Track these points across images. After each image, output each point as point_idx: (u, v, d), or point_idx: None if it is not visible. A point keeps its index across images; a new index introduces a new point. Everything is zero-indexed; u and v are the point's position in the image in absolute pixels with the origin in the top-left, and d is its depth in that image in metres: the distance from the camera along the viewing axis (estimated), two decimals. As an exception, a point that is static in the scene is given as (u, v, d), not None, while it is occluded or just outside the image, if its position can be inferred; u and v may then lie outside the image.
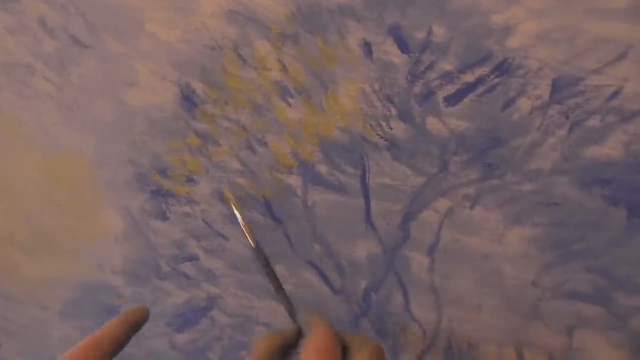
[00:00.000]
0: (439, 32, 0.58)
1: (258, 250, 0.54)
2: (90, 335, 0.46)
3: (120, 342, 0.47)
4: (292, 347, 0.47)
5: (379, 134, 0.63)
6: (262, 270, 0.54)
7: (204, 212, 0.72)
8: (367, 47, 0.60)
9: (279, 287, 0.53)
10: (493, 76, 0.58)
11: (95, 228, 0.76)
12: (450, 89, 0.60)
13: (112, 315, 0.49)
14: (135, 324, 0.50)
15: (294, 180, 0.67)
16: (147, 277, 0.76)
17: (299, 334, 0.48)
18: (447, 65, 0.59)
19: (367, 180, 0.65)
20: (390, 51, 0.60)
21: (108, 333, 0.46)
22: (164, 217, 0.73)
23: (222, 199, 0.70)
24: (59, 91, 0.71)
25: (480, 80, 0.58)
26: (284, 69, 0.63)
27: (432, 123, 0.61)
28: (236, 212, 0.60)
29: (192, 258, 0.74)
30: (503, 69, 0.57)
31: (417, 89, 0.60)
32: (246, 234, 0.56)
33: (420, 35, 0.58)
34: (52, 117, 0.73)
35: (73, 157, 0.74)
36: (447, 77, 0.59)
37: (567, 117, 0.57)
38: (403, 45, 0.59)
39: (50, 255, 0.79)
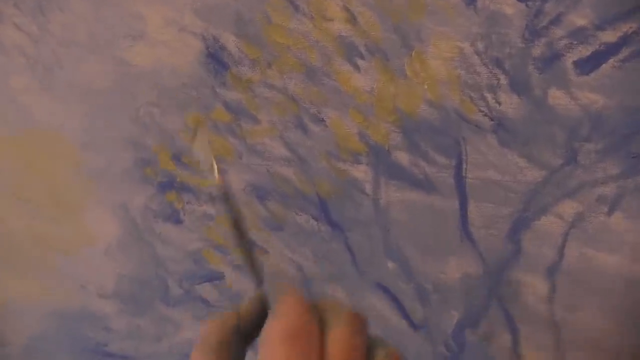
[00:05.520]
0: (572, -29, 0.59)
1: (224, 189, 0.52)
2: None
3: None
4: (254, 329, 0.46)
5: (482, 111, 0.64)
6: (227, 214, 0.53)
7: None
8: (471, -10, 0.61)
9: (243, 241, 0.52)
10: (645, 34, 0.58)
11: (79, 234, 0.76)
12: (584, 51, 0.60)
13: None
14: None
15: (362, 172, 0.68)
16: (149, 302, 0.77)
17: (262, 308, 0.47)
18: (579, 19, 0.60)
19: (463, 174, 0.66)
20: (501, -3, 0.61)
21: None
22: (176, 220, 0.74)
23: (260, 195, 0.71)
24: (34, 45, 0.71)
25: (624, 41, 0.59)
26: (351, 19, 0.64)
27: (556, 97, 0.62)
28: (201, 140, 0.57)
29: (215, 277, 0.75)
30: (660, 24, 0.58)
31: (538, 50, 0.61)
32: (214, 165, 0.54)
33: (545, -25, 0.59)
34: (24, 81, 0.73)
35: (51, 136, 0.74)
36: (579, 35, 0.60)
37: None
38: (520, -11, 0.60)
39: (14, 271, 0.80)
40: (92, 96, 0.72)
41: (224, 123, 0.70)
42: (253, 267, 0.51)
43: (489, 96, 0.64)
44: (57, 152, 0.75)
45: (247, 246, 0.52)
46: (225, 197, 0.52)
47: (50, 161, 0.75)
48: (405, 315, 0.71)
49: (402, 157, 0.67)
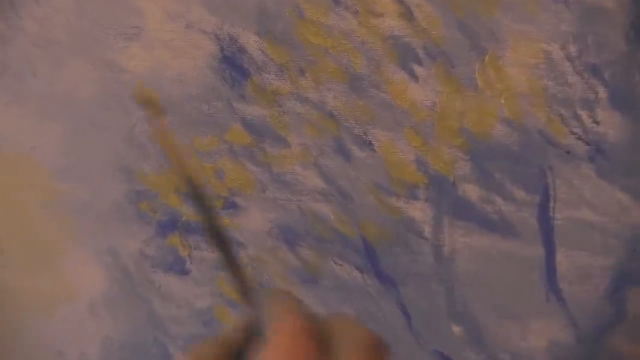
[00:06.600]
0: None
1: (191, 184, 0.49)
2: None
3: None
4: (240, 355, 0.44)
5: (574, 133, 0.59)
6: (201, 220, 0.50)
7: (256, 262, 0.69)
8: (561, -21, 0.57)
9: (225, 249, 0.48)
10: None
11: (55, 286, 0.74)
12: None
13: None
14: None
15: (419, 211, 0.64)
16: (145, 374, 0.74)
17: (250, 335, 0.44)
18: None
19: (550, 214, 0.61)
20: (602, -12, 0.57)
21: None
22: (180, 270, 0.71)
23: (290, 238, 0.67)
24: (1, 46, 0.69)
25: None
26: (406, 14, 0.60)
27: (673, 115, 0.57)
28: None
29: (229, 343, 0.70)
30: None
31: (648, 54, 0.57)
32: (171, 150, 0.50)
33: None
34: (-13, 91, 0.71)
35: (20, 160, 0.72)
36: None
37: None
38: (626, -23, 0.56)
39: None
40: (73, 110, 0.70)
41: (243, 146, 0.67)
42: (238, 281, 0.48)
43: (583, 114, 0.59)
44: (27, 180, 0.73)
45: (228, 254, 0.48)
46: (196, 195, 0.48)
47: (19, 193, 0.73)
48: (475, 394, 0.67)
49: (471, 192, 0.63)
